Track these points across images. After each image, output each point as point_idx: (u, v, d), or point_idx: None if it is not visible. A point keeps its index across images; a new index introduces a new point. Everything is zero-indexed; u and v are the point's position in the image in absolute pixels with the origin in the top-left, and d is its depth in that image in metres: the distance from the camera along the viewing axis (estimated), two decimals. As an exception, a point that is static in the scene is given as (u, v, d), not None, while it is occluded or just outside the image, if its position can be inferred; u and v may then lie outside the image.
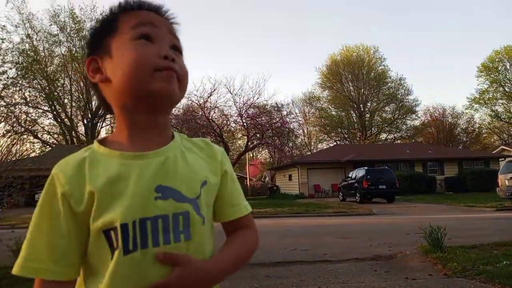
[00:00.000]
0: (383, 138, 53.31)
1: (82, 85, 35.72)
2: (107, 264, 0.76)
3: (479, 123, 51.51)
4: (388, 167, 22.83)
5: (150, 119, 0.84)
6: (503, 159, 28.43)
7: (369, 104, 52.32)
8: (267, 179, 44.97)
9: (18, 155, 6.77)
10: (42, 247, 0.76)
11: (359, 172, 21.33)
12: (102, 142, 0.85)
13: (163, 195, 0.78)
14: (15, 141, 6.75)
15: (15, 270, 0.76)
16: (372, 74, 51.24)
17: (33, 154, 7.33)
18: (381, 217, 13.24)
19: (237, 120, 21.95)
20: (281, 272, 5.29)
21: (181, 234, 0.79)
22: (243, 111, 20.82)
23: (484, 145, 51.00)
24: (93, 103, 37.88)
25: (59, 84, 32.92)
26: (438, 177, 29.40)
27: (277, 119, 21.98)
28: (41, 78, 30.19)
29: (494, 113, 50.06)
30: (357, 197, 20.61)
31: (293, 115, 24.88)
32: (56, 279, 0.75)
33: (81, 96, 36.61)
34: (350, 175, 22.82)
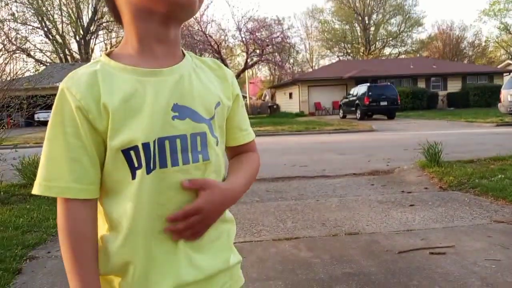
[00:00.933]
0: (387, 53, 51.97)
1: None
2: (126, 184, 0.74)
3: (487, 37, 49.87)
4: (390, 83, 22.53)
5: (163, 30, 0.78)
6: (507, 74, 27.95)
7: (374, 16, 50.15)
8: (267, 97, 44.73)
9: (12, 74, 6.60)
10: (62, 166, 0.72)
11: (360, 89, 21.09)
12: (109, 55, 0.80)
13: (180, 115, 0.77)
14: (7, 60, 6.54)
15: (36, 190, 0.74)
16: (379, -18, 48.45)
17: (27, 74, 7.13)
18: (381, 134, 13.35)
19: (236, 35, 21.13)
20: (281, 187, 5.43)
21: (199, 154, 0.79)
22: (242, 24, 19.97)
23: (490, 59, 49.88)
24: (84, 18, 36.43)
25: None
26: (440, 92, 29.15)
27: (278, 34, 21.16)
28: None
29: (503, 26, 48.15)
30: (357, 114, 20.62)
31: (294, 29, 23.95)
32: (80, 197, 0.73)
33: (71, 11, 35.05)
34: (351, 92, 22.61)
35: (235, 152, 0.95)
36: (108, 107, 0.72)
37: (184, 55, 0.84)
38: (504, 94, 14.26)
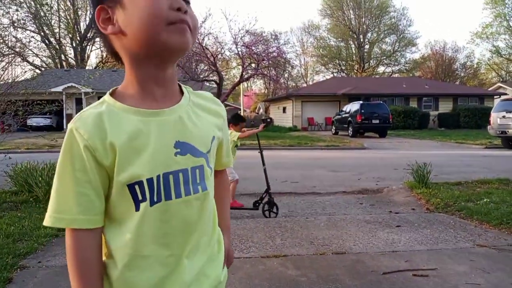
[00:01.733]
0: (380, 72, 52.62)
1: (69, 4, 34.14)
2: (130, 215, 0.82)
3: (479, 59, 50.79)
4: (383, 102, 22.81)
5: (160, 72, 0.85)
6: (498, 96, 28.42)
7: (369, 34, 50.89)
8: (261, 110, 44.92)
9: (11, 80, 6.65)
10: (70, 199, 0.80)
11: (353, 106, 21.31)
12: (113, 95, 0.87)
13: (181, 151, 0.84)
14: (7, 65, 6.60)
15: (47, 222, 0.81)
16: (375, 1, 49.22)
17: (23, 79, 7.18)
18: (372, 152, 13.49)
19: (232, 48, 21.28)
20: (271, 203, 5.47)
21: (199, 186, 0.87)
22: (238, 38, 20.14)
23: (481, 81, 50.69)
24: (82, 24, 36.50)
25: (44, 2, 31.34)
26: (432, 112, 29.51)
27: (274, 48, 21.37)
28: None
29: (495, 49, 49.12)
30: (349, 131, 20.79)
31: (290, 44, 24.17)
32: (86, 227, 0.81)
33: (68, 17, 35.13)
34: (344, 109, 22.82)
35: (222, 175, 1.09)
36: (115, 146, 0.80)
37: (181, 91, 0.92)
38: (494, 117, 14.51)
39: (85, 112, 0.83)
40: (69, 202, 0.80)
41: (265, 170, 5.06)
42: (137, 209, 0.82)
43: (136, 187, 0.81)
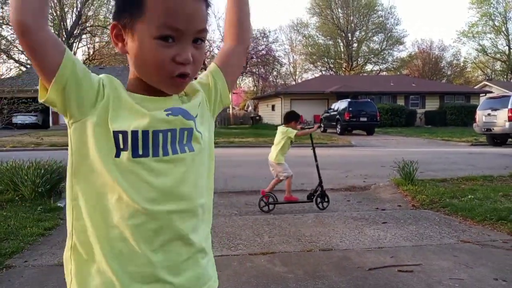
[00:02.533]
0: (368, 70, 53.02)
1: (55, 1, 33.66)
2: (108, 160, 0.82)
3: (465, 57, 51.48)
4: (370, 100, 23.01)
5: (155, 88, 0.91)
6: (483, 94, 28.87)
7: (357, 33, 51.21)
8: (250, 108, 44.94)
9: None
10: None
11: (341, 104, 21.46)
12: None
13: (173, 112, 0.88)
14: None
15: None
16: (363, 0, 49.54)
17: (7, 76, 7.08)
18: (360, 149, 13.61)
19: (221, 46, 21.25)
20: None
21: (185, 146, 0.89)
22: (228, 37, 20.13)
23: (467, 79, 51.42)
24: (68, 21, 36.05)
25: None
26: (419, 110, 29.87)
27: (263, 47, 21.42)
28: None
29: (481, 47, 49.86)
30: (338, 129, 20.94)
31: (279, 43, 24.23)
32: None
33: (55, 14, 34.65)
34: (332, 107, 22.97)
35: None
36: (109, 96, 0.85)
37: None
38: (479, 114, 14.73)
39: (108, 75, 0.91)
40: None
41: (317, 166, 5.42)
42: (117, 155, 0.83)
43: (120, 135, 0.83)
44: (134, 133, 0.83)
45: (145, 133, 0.84)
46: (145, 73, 0.88)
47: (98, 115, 0.83)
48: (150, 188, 0.84)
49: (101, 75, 0.88)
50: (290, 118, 5.21)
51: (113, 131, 0.82)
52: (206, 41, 0.96)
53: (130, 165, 0.83)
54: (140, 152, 0.83)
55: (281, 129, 5.17)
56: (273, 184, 5.18)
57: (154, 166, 0.84)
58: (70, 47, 36.92)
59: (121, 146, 0.83)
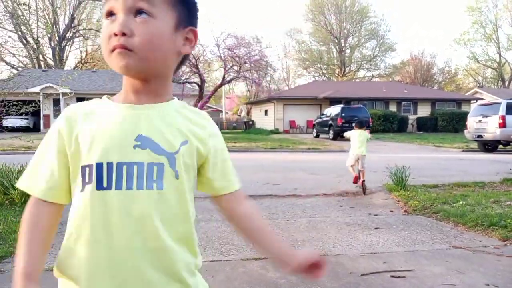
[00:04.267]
0: (361, 76, 53.38)
1: (48, 4, 33.50)
2: (77, 195, 0.86)
3: (456, 64, 52.07)
4: (363, 106, 23.14)
5: (138, 83, 0.90)
6: (475, 101, 29.18)
7: (350, 39, 51.62)
8: (243, 113, 44.95)
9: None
10: (34, 169, 0.89)
11: (334, 110, 21.56)
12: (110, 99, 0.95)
13: (141, 144, 0.85)
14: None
15: (17, 183, 0.91)
16: (356, 7, 49.96)
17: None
18: (352, 154, 13.62)
19: (214, 51, 21.28)
20: (252, 205, 5.49)
21: (154, 183, 0.84)
22: (220, 41, 20.14)
23: (458, 86, 51.98)
24: (61, 24, 35.85)
25: (22, 2, 30.71)
26: (411, 116, 30.08)
27: (256, 52, 21.46)
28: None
29: (472, 55, 50.48)
30: (330, 134, 21.02)
31: (272, 48, 24.26)
32: (40, 198, 0.87)
33: (47, 17, 34.44)
34: (325, 112, 23.07)
35: (228, 203, 1.02)
36: (78, 136, 0.86)
37: (170, 100, 0.94)
38: (470, 121, 14.87)
39: (80, 102, 0.94)
40: (33, 171, 0.89)
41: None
42: (82, 189, 0.84)
43: (87, 169, 0.84)
44: (99, 165, 0.84)
45: (109, 165, 0.84)
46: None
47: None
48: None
49: (59, 123, 0.89)
50: (364, 124, 6.94)
51: (81, 166, 0.85)
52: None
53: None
54: (104, 185, 0.83)
55: (363, 132, 6.72)
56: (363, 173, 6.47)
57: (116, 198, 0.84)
58: (63, 50, 36.80)
59: (86, 180, 0.84)
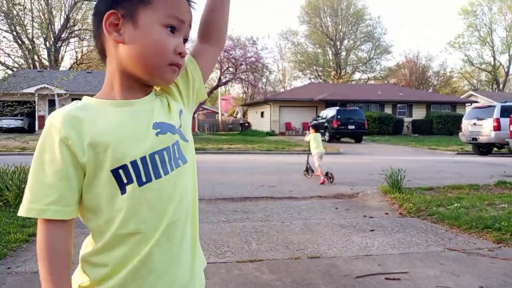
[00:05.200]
0: (356, 78, 53.59)
1: (43, 4, 33.36)
2: (115, 200, 0.84)
3: (451, 67, 52.41)
4: (359, 108, 23.23)
5: (143, 86, 0.93)
6: (469, 104, 29.35)
7: (345, 41, 51.79)
8: (239, 115, 44.97)
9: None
10: (40, 190, 0.82)
11: (330, 112, 21.62)
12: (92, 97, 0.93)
13: (161, 130, 0.89)
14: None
15: (20, 213, 0.83)
16: (352, 9, 50.16)
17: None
18: (348, 157, 13.68)
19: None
20: (248, 207, 5.49)
21: (179, 160, 0.91)
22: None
23: (453, 89, 52.28)
24: (56, 25, 35.73)
25: (17, 1, 30.58)
26: (406, 119, 30.22)
27: (252, 54, 21.48)
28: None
29: (466, 58, 50.80)
30: (326, 137, 21.06)
31: (268, 50, 24.27)
32: (55, 218, 0.82)
33: (43, 17, 34.30)
34: (321, 114, 23.13)
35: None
36: (92, 143, 0.82)
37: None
38: (465, 124, 14.96)
39: (61, 109, 0.87)
40: (39, 193, 0.82)
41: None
42: (123, 192, 0.84)
43: (120, 171, 0.83)
44: (134, 163, 0.84)
45: (143, 159, 0.85)
46: (143, 61, 0.87)
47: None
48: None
49: (61, 132, 0.82)
50: (319, 127, 7.59)
51: (112, 170, 0.83)
52: (190, 40, 0.98)
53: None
54: (144, 179, 0.85)
55: (318, 134, 8.18)
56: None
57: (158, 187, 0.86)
58: (58, 51, 36.64)
59: (125, 181, 0.84)
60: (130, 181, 0.83)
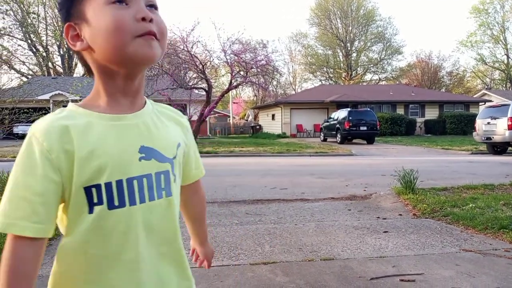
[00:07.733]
0: (368, 79, 53.28)
1: (56, 12, 33.84)
2: (82, 218, 0.80)
3: (464, 67, 51.77)
4: (370, 109, 23.09)
5: (128, 83, 0.86)
6: (483, 103, 28.95)
7: (356, 43, 51.62)
8: (250, 117, 45.04)
9: None
10: (11, 204, 0.76)
11: (341, 113, 21.53)
12: (78, 105, 0.87)
13: (146, 156, 0.84)
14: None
15: None
16: (362, 11, 49.98)
17: (9, 86, 7.12)
18: (360, 158, 13.61)
19: (220, 56, 21.36)
20: (260, 209, 5.50)
21: (163, 191, 0.86)
22: (227, 46, 20.22)
23: (467, 88, 51.64)
24: (71, 33, 36.18)
25: (31, 10, 31.17)
26: (418, 119, 29.94)
27: (262, 57, 21.51)
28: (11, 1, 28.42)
29: (479, 57, 50.18)
30: (338, 138, 20.98)
31: (278, 53, 24.26)
32: (24, 235, 0.75)
33: (56, 25, 34.86)
34: (332, 116, 23.04)
35: (187, 188, 1.07)
36: (73, 152, 0.78)
37: (145, 102, 0.92)
38: (479, 123, 14.76)
39: (44, 118, 0.82)
40: (11, 206, 0.75)
41: None
42: (91, 211, 0.79)
43: (93, 190, 0.79)
44: (108, 185, 0.79)
45: (118, 182, 0.80)
46: (108, 46, 0.80)
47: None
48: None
49: (43, 145, 0.77)
50: None
51: (85, 187, 0.79)
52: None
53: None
54: (116, 203, 0.80)
55: None
56: None
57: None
58: (71, 57, 37.11)
59: (95, 201, 0.79)
60: (100, 202, 0.79)
